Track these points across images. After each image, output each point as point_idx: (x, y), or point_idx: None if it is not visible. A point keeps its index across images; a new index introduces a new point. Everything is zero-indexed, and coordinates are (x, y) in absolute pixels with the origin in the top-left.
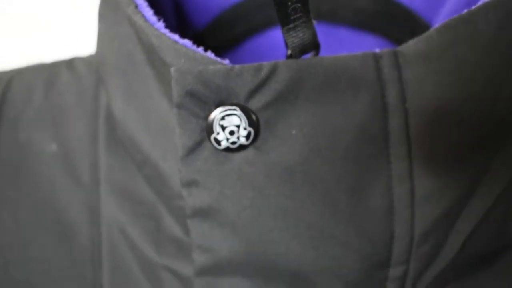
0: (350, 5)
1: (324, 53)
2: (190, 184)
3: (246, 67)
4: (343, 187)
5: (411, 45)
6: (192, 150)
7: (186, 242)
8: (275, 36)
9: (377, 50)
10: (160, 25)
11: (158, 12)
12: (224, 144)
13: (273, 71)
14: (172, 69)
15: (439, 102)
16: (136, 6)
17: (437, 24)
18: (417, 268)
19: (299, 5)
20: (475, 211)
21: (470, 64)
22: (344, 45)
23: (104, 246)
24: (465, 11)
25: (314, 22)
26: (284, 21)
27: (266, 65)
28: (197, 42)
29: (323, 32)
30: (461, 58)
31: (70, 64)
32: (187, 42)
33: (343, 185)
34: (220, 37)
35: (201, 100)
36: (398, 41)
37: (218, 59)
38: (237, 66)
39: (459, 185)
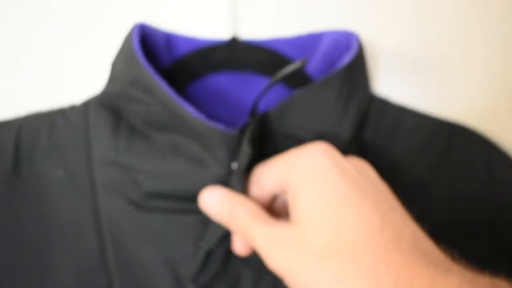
0: (253, 60)
1: (233, 91)
2: None
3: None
4: None
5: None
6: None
7: None
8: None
9: None
10: (202, 116)
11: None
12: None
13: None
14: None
15: None
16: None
17: (308, 69)
18: None
19: None
20: None
21: None
22: (251, 86)
23: (105, 235)
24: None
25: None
26: None
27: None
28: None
29: (235, 77)
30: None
31: (62, 112)
32: (222, 126)
33: None
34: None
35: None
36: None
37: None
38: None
39: None
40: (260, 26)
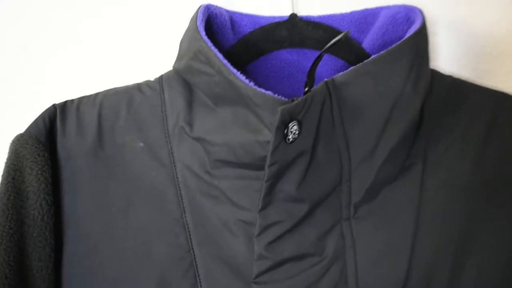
0: (312, 37)
1: (295, 65)
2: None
3: (300, 100)
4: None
5: (340, 76)
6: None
7: None
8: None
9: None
10: (249, 82)
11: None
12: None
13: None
14: (280, 109)
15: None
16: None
17: (364, 45)
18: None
19: None
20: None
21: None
22: (311, 60)
23: (184, 199)
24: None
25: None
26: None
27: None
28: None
29: (296, 52)
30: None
31: (139, 88)
32: (270, 92)
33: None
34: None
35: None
36: (341, 57)
37: (286, 99)
38: (297, 102)
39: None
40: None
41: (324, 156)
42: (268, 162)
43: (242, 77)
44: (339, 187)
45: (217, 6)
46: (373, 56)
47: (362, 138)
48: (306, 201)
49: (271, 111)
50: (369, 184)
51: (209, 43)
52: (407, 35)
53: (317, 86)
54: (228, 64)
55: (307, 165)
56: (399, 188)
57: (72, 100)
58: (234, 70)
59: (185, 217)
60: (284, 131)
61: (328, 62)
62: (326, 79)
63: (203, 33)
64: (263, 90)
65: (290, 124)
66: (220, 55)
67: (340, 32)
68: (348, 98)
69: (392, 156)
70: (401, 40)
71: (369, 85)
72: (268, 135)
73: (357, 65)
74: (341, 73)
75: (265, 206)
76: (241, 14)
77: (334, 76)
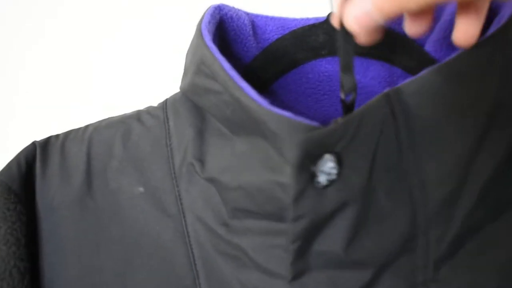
0: None
1: (338, 78)
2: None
3: (338, 126)
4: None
5: (409, 84)
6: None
7: None
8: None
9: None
10: (262, 100)
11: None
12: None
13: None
14: (300, 138)
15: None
16: (243, 89)
17: (428, 47)
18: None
19: None
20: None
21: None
22: (358, 70)
23: (198, 261)
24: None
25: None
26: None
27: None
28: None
29: (337, 62)
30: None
31: (138, 118)
32: (290, 114)
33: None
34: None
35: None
36: (398, 63)
37: (314, 123)
38: (332, 126)
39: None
40: None
41: (387, 201)
42: (291, 215)
43: (253, 94)
44: (413, 241)
45: (232, 7)
46: (459, 51)
47: (444, 172)
48: (366, 266)
49: (293, 140)
50: (454, 234)
51: (214, 50)
52: (493, 27)
53: (372, 100)
54: (236, 76)
55: (356, 217)
56: (494, 237)
57: (57, 136)
58: (243, 84)
59: (200, 284)
60: (310, 170)
61: (381, 72)
62: (387, 90)
63: (207, 37)
64: (278, 111)
65: (318, 160)
66: (226, 65)
67: (395, 33)
68: (421, 116)
69: (485, 194)
70: (495, 29)
71: (454, 94)
72: (287, 176)
73: (436, 64)
74: (410, 79)
75: (298, 275)
76: (265, 17)
77: (400, 85)
